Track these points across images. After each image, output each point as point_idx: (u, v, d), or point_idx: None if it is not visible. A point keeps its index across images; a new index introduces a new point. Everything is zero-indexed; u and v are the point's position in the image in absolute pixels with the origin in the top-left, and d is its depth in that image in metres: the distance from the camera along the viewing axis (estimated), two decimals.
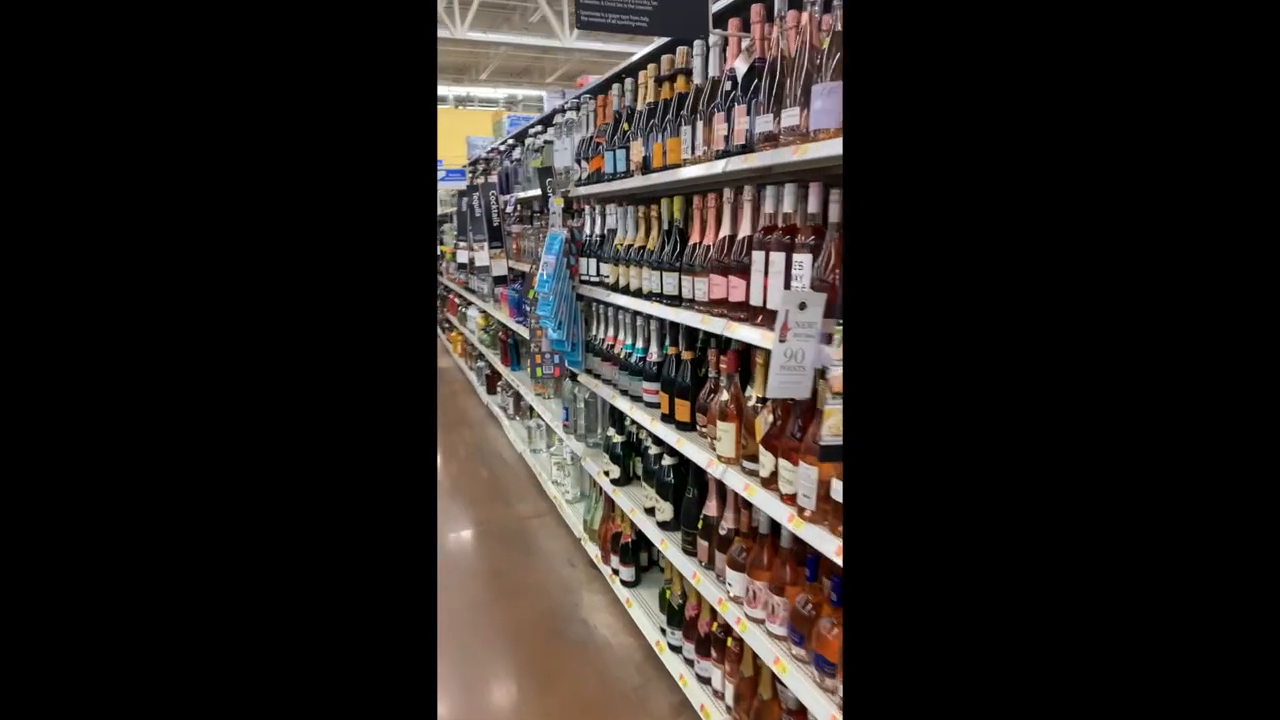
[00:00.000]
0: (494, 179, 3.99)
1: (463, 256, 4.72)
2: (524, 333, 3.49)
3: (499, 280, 3.68)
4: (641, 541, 2.34)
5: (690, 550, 1.84)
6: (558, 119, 2.60)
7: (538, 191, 3.08)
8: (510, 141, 3.74)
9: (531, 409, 3.98)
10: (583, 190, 2.37)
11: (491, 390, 5.00)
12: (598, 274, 2.36)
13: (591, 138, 2.30)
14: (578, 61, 15.03)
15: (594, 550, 2.64)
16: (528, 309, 3.35)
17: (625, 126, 2.02)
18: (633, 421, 2.32)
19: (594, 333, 2.51)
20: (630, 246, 2.07)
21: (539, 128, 3.15)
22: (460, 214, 4.66)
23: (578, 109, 2.52)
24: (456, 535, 3.13)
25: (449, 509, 3.40)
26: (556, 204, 2.44)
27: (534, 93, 16.57)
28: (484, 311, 5.11)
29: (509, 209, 3.36)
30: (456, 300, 6.33)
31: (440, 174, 4.43)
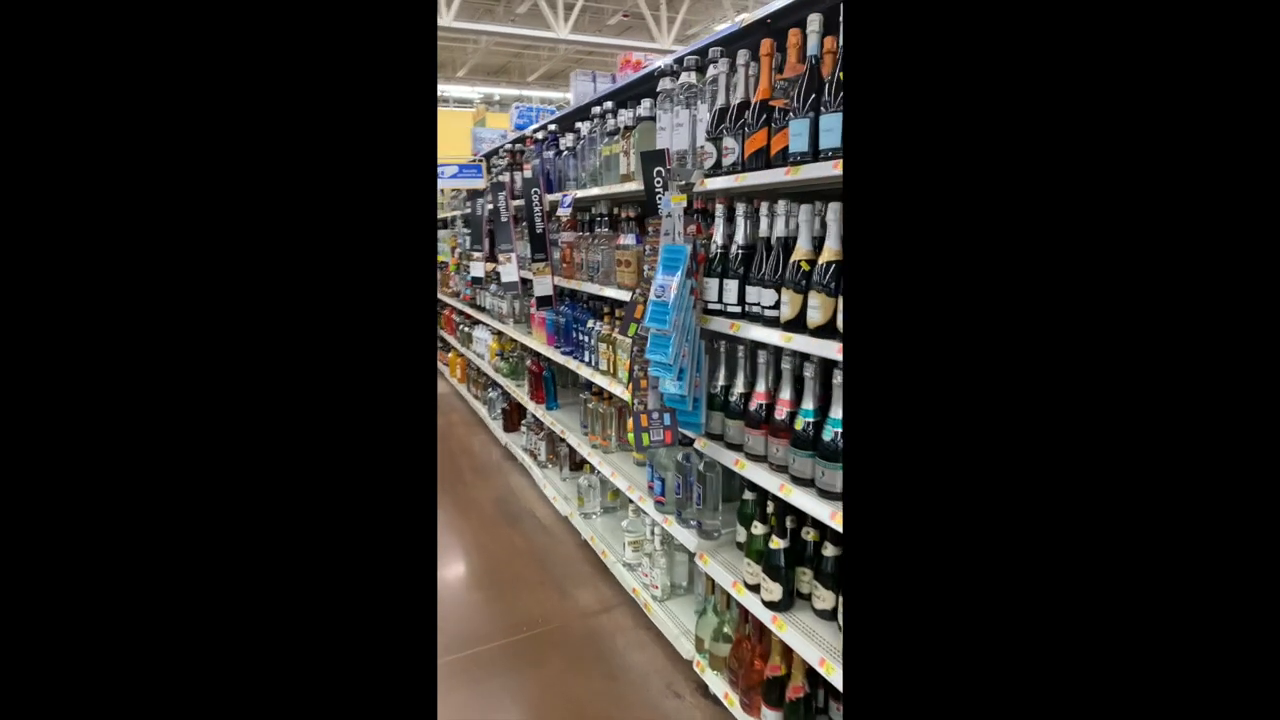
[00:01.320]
0: (525, 174, 3.23)
1: (477, 269, 3.93)
2: (574, 367, 2.73)
3: (543, 301, 2.92)
4: (822, 695, 1.62)
5: None
6: (664, 84, 1.87)
7: (603, 189, 2.33)
8: (553, 129, 2.98)
9: (584, 462, 3.22)
10: (722, 183, 1.64)
11: (512, 427, 4.21)
12: (743, 302, 1.63)
13: (739, 105, 1.57)
14: (561, 58, 14.28)
15: (718, 684, 1.90)
16: (584, 339, 2.60)
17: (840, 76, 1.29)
18: (811, 523, 1.60)
19: (721, 382, 1.78)
20: (829, 265, 1.36)
21: (609, 104, 2.41)
22: (474, 218, 3.88)
23: (699, 70, 1.79)
24: (503, 643, 2.35)
25: (481, 597, 2.62)
26: (674, 204, 1.71)
27: (511, 91, 15.76)
28: (498, 333, 4.32)
29: (562, 211, 2.60)
30: (455, 318, 5.51)
31: (451, 170, 3.64)
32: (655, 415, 1.82)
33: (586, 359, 2.69)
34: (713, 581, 1.95)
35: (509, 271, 3.35)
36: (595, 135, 2.44)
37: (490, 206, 3.85)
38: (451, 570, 2.82)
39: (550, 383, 3.38)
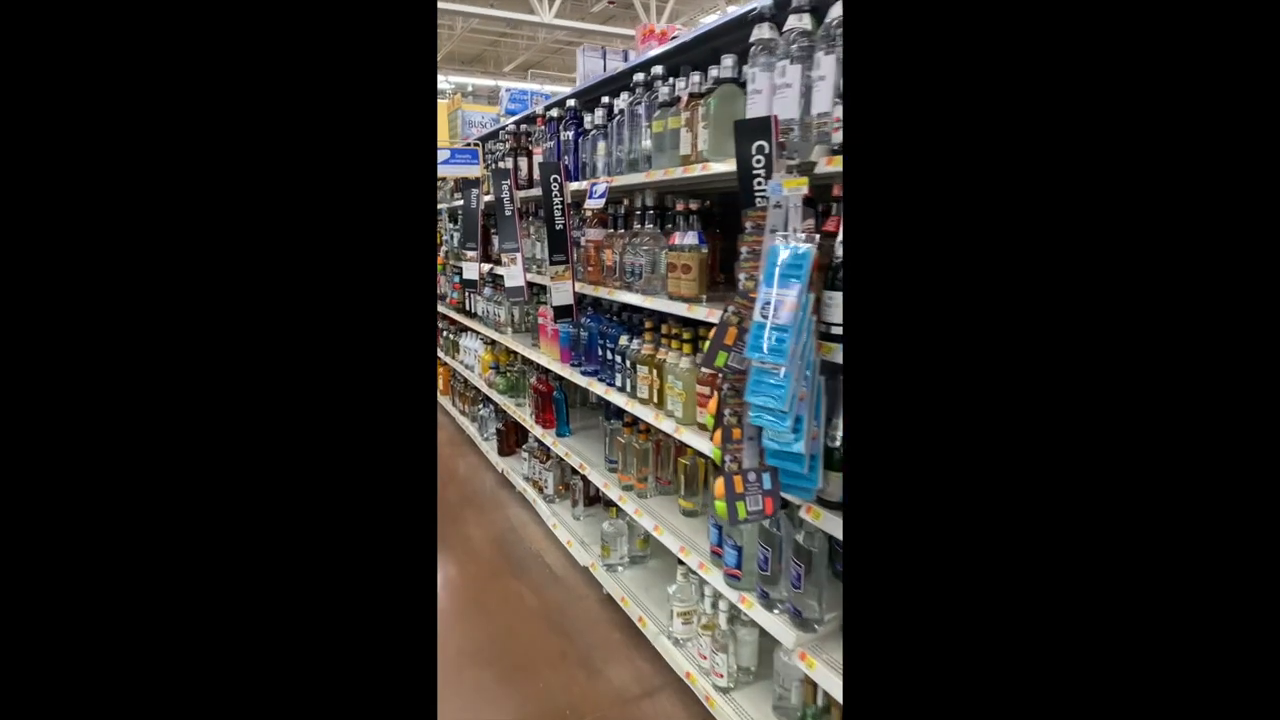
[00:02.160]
0: (537, 158, 2.72)
1: (470, 270, 3.42)
2: (600, 391, 2.25)
3: (561, 312, 2.42)
4: None
5: None
6: (760, 33, 1.40)
7: (651, 175, 1.86)
8: (572, 104, 2.49)
9: (599, 496, 2.73)
10: None
11: (508, 450, 3.69)
12: None
13: None
14: (540, 48, 13.67)
15: None
16: (614, 359, 2.12)
17: None
18: None
19: (841, 432, 1.33)
20: None
21: (658, 69, 1.93)
22: (468, 211, 3.36)
23: (815, 11, 1.33)
24: None
25: (488, 677, 2.12)
26: (790, 190, 1.24)
27: (487, 82, 15.09)
28: (491, 343, 3.81)
29: (591, 203, 2.12)
30: (440, 324, 4.96)
31: (441, 155, 3.12)
32: (753, 478, 1.35)
33: (618, 383, 2.21)
34: (815, 686, 1.50)
35: (514, 274, 2.85)
36: (640, 108, 1.96)
37: (488, 198, 3.34)
38: (449, 638, 2.31)
39: (562, 405, 2.88)
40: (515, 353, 3.51)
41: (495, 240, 3.35)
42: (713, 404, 1.38)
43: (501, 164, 2.99)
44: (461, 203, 3.64)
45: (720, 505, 1.36)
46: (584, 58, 3.13)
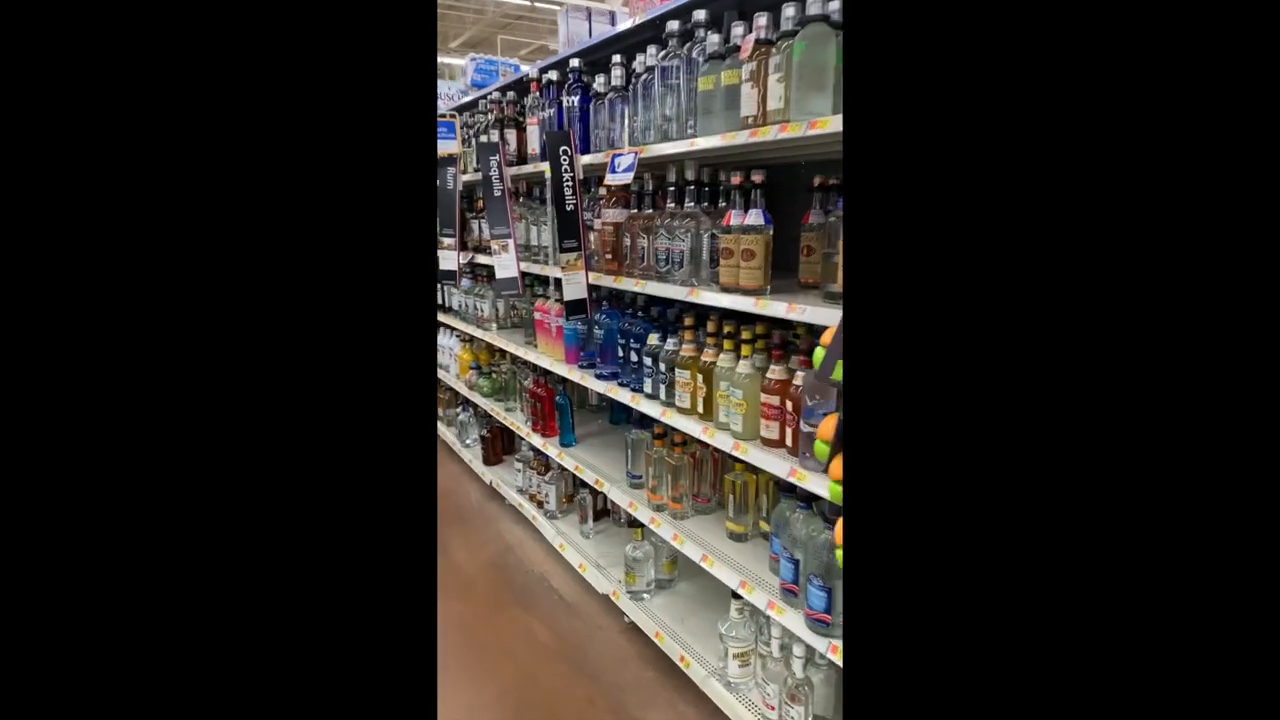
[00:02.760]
0: (532, 128, 2.36)
1: (447, 260, 3.03)
2: (626, 398, 1.96)
3: (574, 308, 2.09)
4: None
5: None
6: None
7: (687, 145, 1.56)
8: (576, 67, 2.13)
9: (606, 509, 2.44)
10: None
11: (494, 459, 3.34)
12: None
13: None
14: (488, 23, 12.97)
15: None
16: (642, 361, 1.83)
17: None
18: None
19: None
20: None
21: (700, 14, 1.61)
22: (442, 193, 2.97)
23: None
24: None
25: None
26: None
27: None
28: (469, 339, 3.44)
29: (615, 179, 1.79)
30: None
31: None
32: None
33: (647, 389, 1.91)
34: None
35: (506, 264, 2.49)
36: (681, 62, 1.64)
37: (467, 177, 2.95)
38: (454, 691, 1.98)
39: (567, 411, 2.56)
40: (501, 351, 3.16)
41: (476, 226, 2.97)
42: (829, 425, 1.09)
43: (486, 137, 2.62)
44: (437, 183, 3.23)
45: (840, 555, 1.08)
46: (567, 20, 2.78)
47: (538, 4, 9.08)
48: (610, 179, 1.82)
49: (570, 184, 1.99)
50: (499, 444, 3.36)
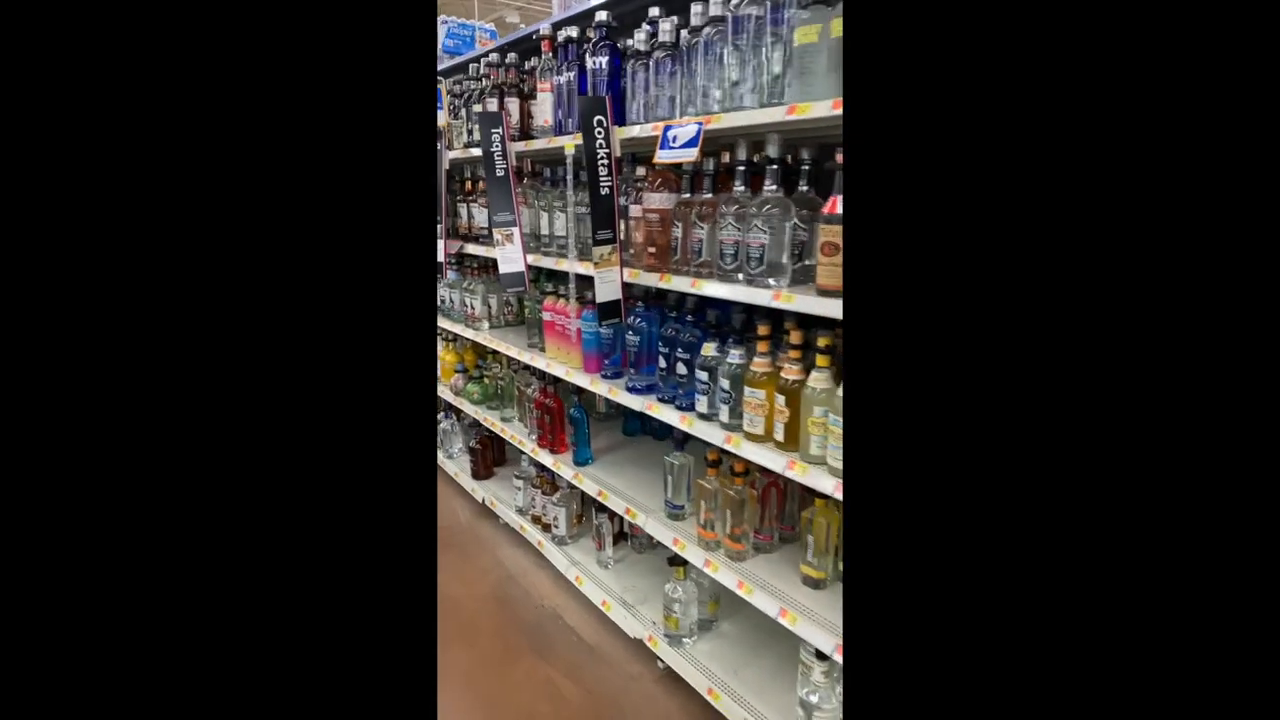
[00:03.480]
0: (542, 94, 2.00)
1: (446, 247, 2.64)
2: (668, 416, 1.66)
3: (608, 310, 1.76)
4: None
5: None
6: None
7: (782, 112, 1.25)
8: (603, 21, 1.77)
9: (626, 533, 2.13)
10: None
11: (484, 472, 2.99)
12: None
13: None
14: None
15: None
16: (694, 374, 1.53)
17: None
18: None
19: None
20: None
21: None
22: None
23: None
24: None
25: None
26: None
27: None
28: (452, 338, 3.06)
29: (667, 156, 1.46)
30: None
31: None
32: None
33: (702, 408, 1.61)
34: None
35: (511, 256, 2.13)
36: (765, 10, 1.31)
37: (453, 154, 2.55)
38: None
39: (583, 424, 2.23)
40: (493, 352, 2.79)
41: (464, 211, 2.59)
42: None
43: (482, 105, 2.23)
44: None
45: None
46: None
47: None
48: (663, 156, 1.49)
49: (605, 162, 1.65)
50: (489, 456, 3.00)
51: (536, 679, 1.99)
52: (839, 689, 1.47)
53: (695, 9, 1.50)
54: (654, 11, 1.69)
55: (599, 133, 1.62)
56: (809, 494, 1.57)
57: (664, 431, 2.50)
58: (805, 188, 1.41)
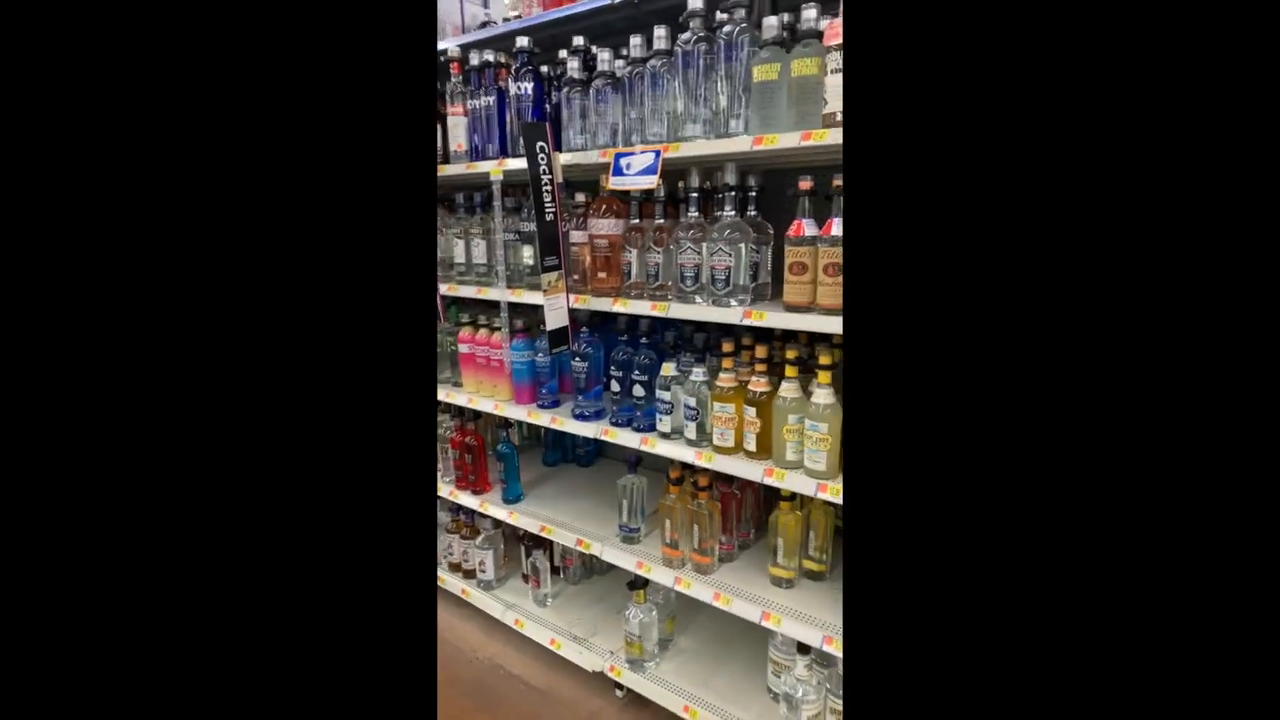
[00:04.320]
0: (454, 120, 1.91)
1: None
2: (623, 439, 1.69)
3: (556, 339, 1.71)
4: None
5: None
6: None
7: (747, 143, 1.38)
8: (524, 47, 1.74)
9: (582, 570, 2.07)
10: None
11: None
12: None
13: None
14: None
15: None
16: (655, 393, 1.59)
17: None
18: None
19: None
20: None
21: None
22: None
23: None
24: None
25: None
26: None
27: None
28: None
29: (630, 182, 1.48)
30: None
31: None
32: None
33: (664, 428, 1.63)
34: None
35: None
36: (718, 47, 1.39)
37: None
38: None
39: (513, 460, 2.13)
40: None
41: None
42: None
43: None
44: None
45: None
46: None
47: None
48: (616, 182, 1.50)
49: (549, 188, 1.62)
50: None
51: None
52: (818, 681, 1.56)
53: (634, 40, 1.55)
54: (578, 40, 1.71)
55: (543, 160, 1.59)
56: (771, 499, 1.67)
57: (588, 459, 2.47)
58: (753, 212, 1.51)
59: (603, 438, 1.76)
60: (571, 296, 1.72)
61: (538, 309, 1.87)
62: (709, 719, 1.70)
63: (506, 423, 2.14)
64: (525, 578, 2.29)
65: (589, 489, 2.26)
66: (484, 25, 2.31)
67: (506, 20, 2.02)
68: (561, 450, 2.50)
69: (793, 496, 1.59)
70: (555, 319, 1.69)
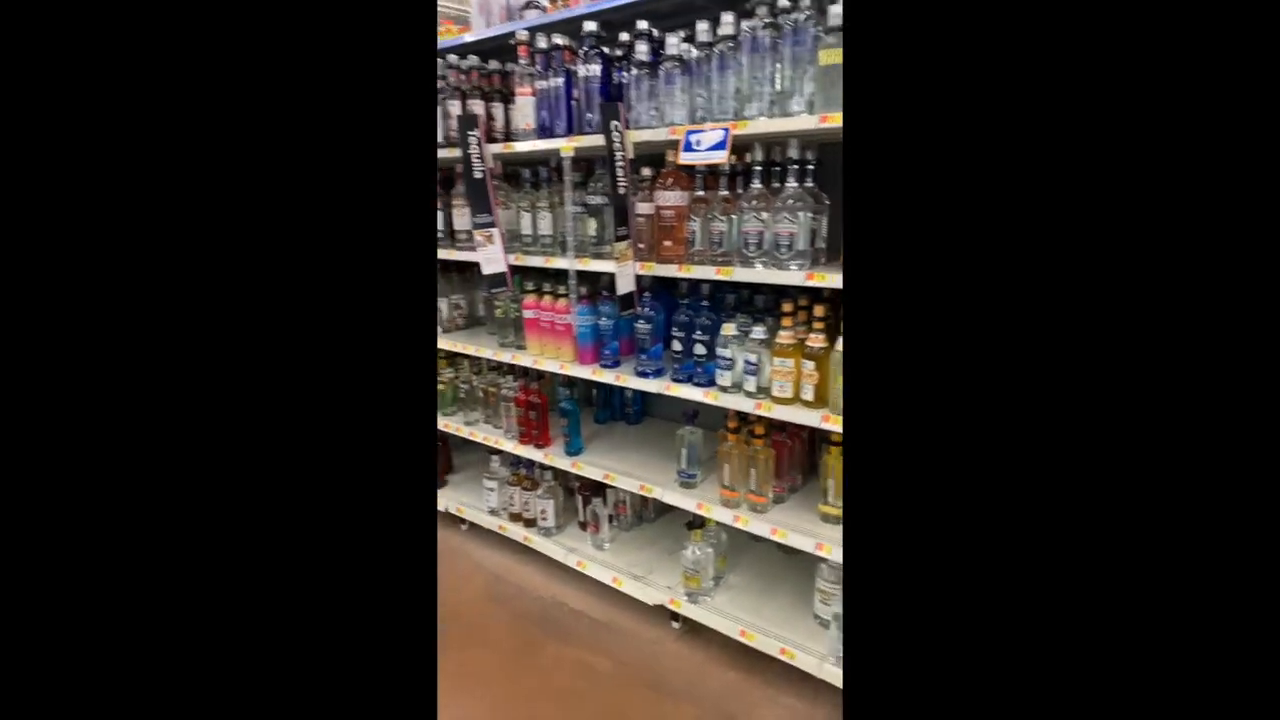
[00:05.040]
0: (524, 98, 2.06)
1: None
2: (680, 391, 1.86)
3: (626, 302, 1.88)
4: None
5: None
6: None
7: (813, 120, 1.51)
8: (592, 31, 1.87)
9: (634, 517, 2.26)
10: None
11: (438, 481, 2.92)
12: None
13: None
14: None
15: None
16: (710, 351, 1.75)
17: None
18: None
19: None
20: None
21: None
22: None
23: None
24: None
25: None
26: None
27: None
28: None
29: (701, 152, 1.64)
30: None
31: None
32: None
33: (724, 382, 1.81)
34: None
35: (492, 256, 2.16)
36: (785, 32, 1.53)
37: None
38: None
39: (575, 418, 2.32)
40: (447, 357, 2.75)
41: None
42: None
43: (461, 106, 2.22)
44: None
45: None
46: None
47: None
48: (688, 158, 1.66)
49: (622, 163, 1.78)
50: (442, 464, 2.94)
51: (565, 661, 2.06)
52: None
53: (700, 26, 1.69)
54: (641, 25, 1.85)
55: (617, 136, 1.75)
56: (822, 443, 1.85)
57: (636, 417, 2.66)
58: (810, 184, 1.67)
59: (665, 393, 1.94)
60: (638, 263, 1.89)
61: (598, 276, 2.03)
62: (763, 640, 1.91)
63: (570, 381, 2.32)
64: (582, 525, 2.50)
65: (640, 443, 2.45)
66: (528, 6, 2.43)
67: (553, 2, 2.16)
68: (610, 409, 2.69)
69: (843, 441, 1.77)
70: (625, 284, 1.85)
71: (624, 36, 1.96)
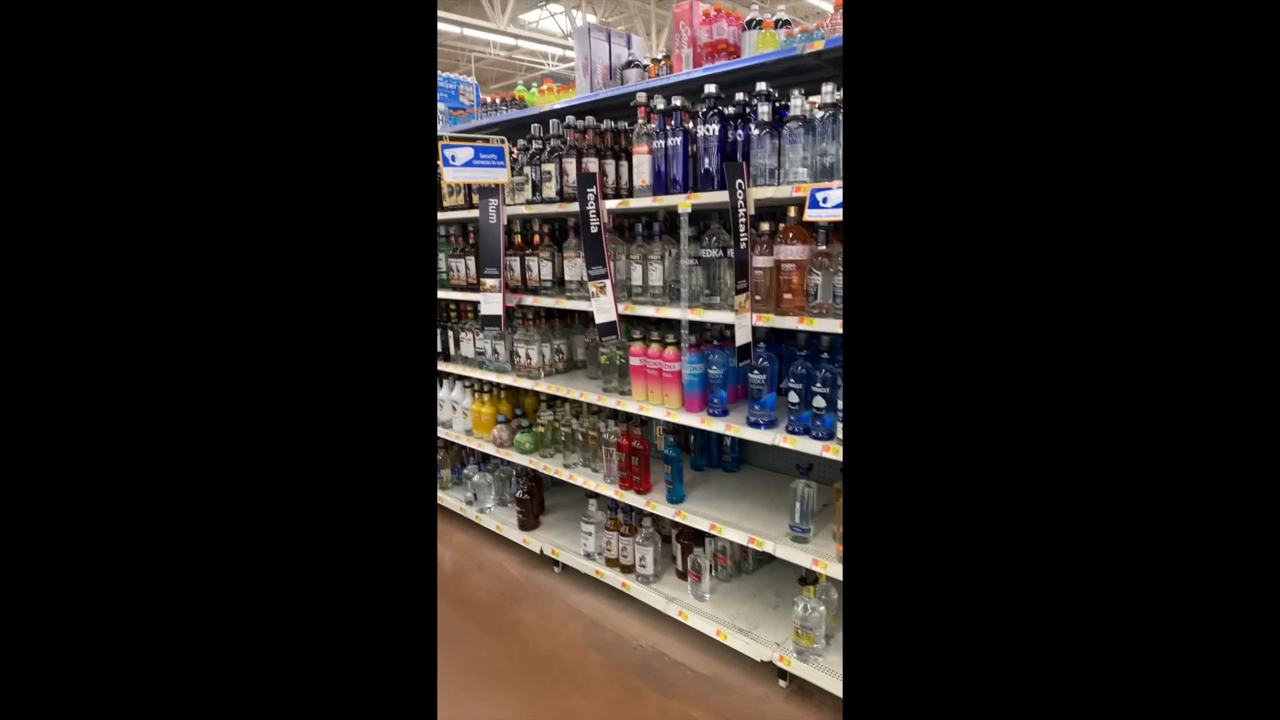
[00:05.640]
0: (641, 156, 2.15)
1: (492, 304, 2.66)
2: (795, 443, 1.83)
3: (743, 353, 1.90)
4: None
5: None
6: None
7: None
8: (712, 93, 1.95)
9: (734, 568, 2.25)
10: None
11: (532, 523, 2.97)
12: None
13: None
14: (493, 60, 11.77)
15: None
16: (829, 405, 1.72)
17: None
18: None
19: None
20: None
21: None
22: (485, 228, 2.59)
23: None
24: None
25: None
26: None
27: None
28: (487, 389, 3.06)
29: (824, 210, 1.67)
30: None
31: (462, 154, 2.37)
32: None
33: (842, 434, 1.79)
34: None
35: (604, 306, 2.23)
36: None
37: (515, 210, 2.61)
38: None
39: (678, 465, 2.33)
40: (546, 400, 2.82)
41: (520, 263, 2.65)
42: None
43: (577, 164, 2.34)
44: (471, 215, 2.83)
45: None
46: (589, 41, 2.61)
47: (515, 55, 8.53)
48: (814, 215, 1.69)
49: (743, 219, 1.83)
50: (536, 505, 2.99)
51: (669, 714, 2.03)
52: None
53: (826, 88, 1.74)
54: (760, 86, 1.91)
55: (740, 194, 1.80)
56: None
57: (733, 465, 2.65)
58: None
59: (780, 444, 1.93)
60: (755, 315, 1.91)
61: (704, 326, 2.06)
62: None
63: (678, 429, 2.34)
64: (680, 574, 2.48)
65: (740, 492, 2.43)
66: (628, 65, 2.56)
67: (655, 61, 2.27)
68: (707, 456, 2.69)
69: None
70: (743, 335, 1.88)
71: (739, 96, 2.03)
